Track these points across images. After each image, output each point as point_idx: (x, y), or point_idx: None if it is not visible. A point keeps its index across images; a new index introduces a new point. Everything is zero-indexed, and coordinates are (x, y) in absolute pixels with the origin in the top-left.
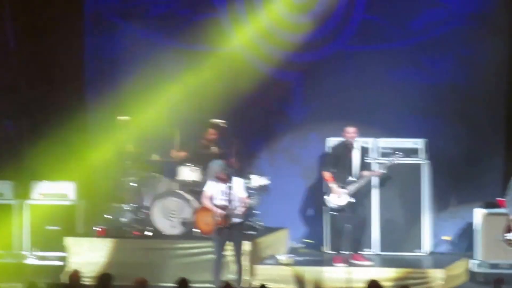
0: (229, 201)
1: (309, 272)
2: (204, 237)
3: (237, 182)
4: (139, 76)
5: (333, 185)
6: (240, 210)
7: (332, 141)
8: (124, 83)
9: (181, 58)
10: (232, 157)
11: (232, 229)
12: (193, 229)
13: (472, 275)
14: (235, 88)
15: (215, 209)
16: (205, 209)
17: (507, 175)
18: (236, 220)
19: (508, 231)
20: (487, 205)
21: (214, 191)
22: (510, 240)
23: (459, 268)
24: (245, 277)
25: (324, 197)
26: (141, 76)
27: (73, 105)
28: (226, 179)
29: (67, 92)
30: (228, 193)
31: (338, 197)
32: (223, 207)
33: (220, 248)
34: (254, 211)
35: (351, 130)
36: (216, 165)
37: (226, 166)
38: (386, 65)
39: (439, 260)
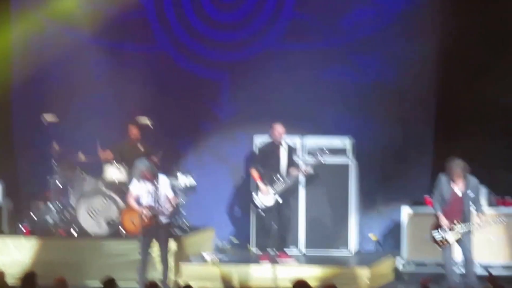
0: (156, 200)
1: (235, 270)
2: (130, 237)
3: (164, 182)
4: (66, 75)
5: (261, 184)
6: (166, 209)
7: (260, 139)
8: (51, 81)
9: (108, 58)
10: (158, 156)
11: (159, 229)
12: (119, 229)
13: (398, 274)
14: (162, 87)
15: (141, 209)
16: (130, 209)
17: (435, 174)
18: (162, 219)
19: (435, 228)
20: (414, 204)
21: (140, 190)
22: (437, 238)
23: (385, 266)
24: (171, 276)
25: (253, 195)
26: (68, 75)
27: None
28: (152, 179)
29: None
30: (154, 192)
31: (265, 196)
32: (149, 207)
33: (146, 248)
34: (180, 210)
35: (278, 128)
36: (142, 164)
37: (152, 165)
38: (315, 64)
39: (365, 258)
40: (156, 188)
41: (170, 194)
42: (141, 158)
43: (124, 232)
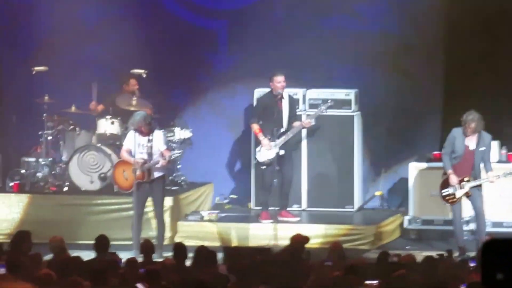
0: (149, 154)
1: (235, 228)
2: (123, 192)
3: (158, 135)
4: (55, 25)
5: (262, 138)
6: (160, 163)
7: (259, 92)
8: (40, 32)
9: (98, 5)
10: (152, 109)
11: (153, 184)
12: (112, 184)
13: (405, 232)
14: (156, 36)
15: (134, 162)
16: (123, 163)
17: (445, 129)
18: (157, 174)
19: (445, 186)
20: (422, 160)
21: (134, 144)
22: (446, 194)
23: (391, 224)
24: (167, 233)
25: (256, 150)
26: (58, 25)
27: None
28: (147, 132)
29: None
30: (148, 146)
31: (267, 150)
32: (143, 161)
33: (139, 204)
34: (177, 165)
35: (279, 79)
36: (138, 117)
37: (148, 117)
38: (316, 12)
39: (370, 216)
40: (150, 141)
41: (163, 148)
42: (137, 111)
43: (116, 186)
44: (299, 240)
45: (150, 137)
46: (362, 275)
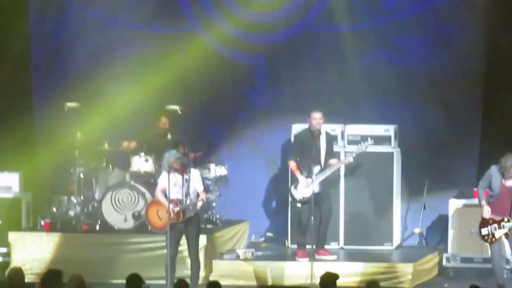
0: (186, 194)
1: (271, 267)
2: (156, 231)
3: (195, 175)
4: (89, 60)
5: (299, 175)
6: (196, 204)
7: (297, 128)
8: (73, 68)
9: (134, 40)
10: (189, 147)
11: (187, 224)
12: (145, 223)
13: (443, 270)
14: (192, 71)
15: (167, 203)
16: (157, 202)
17: (482, 165)
18: (191, 213)
19: (484, 225)
20: (461, 196)
21: (169, 183)
22: (484, 234)
23: (430, 262)
24: (202, 273)
25: (291, 188)
26: (91, 60)
27: (18, 91)
28: (182, 170)
29: (11, 77)
30: (184, 185)
31: (304, 188)
32: (176, 201)
33: (173, 243)
34: (212, 204)
35: (317, 116)
36: (171, 155)
37: (181, 156)
38: (355, 46)
39: (408, 253)
40: (186, 181)
41: (200, 188)
42: (170, 149)
43: (149, 226)
44: (329, 278)
45: (186, 177)
46: None
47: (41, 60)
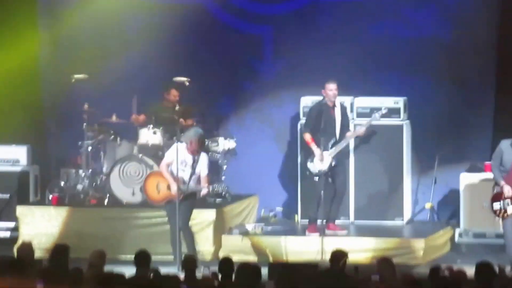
0: (191, 174)
1: (281, 242)
2: (151, 205)
3: (204, 158)
4: (95, 31)
5: (315, 148)
6: (200, 190)
7: (306, 100)
8: (80, 39)
9: (139, 11)
10: (194, 120)
11: (181, 201)
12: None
13: (456, 245)
14: (199, 43)
15: (170, 179)
16: (160, 174)
17: (495, 138)
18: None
19: (497, 199)
20: (473, 170)
21: (177, 158)
22: (496, 208)
23: (442, 237)
24: (211, 248)
25: (307, 161)
26: (97, 31)
27: (25, 63)
28: (195, 151)
29: (21, 50)
30: (192, 166)
31: (320, 161)
32: (182, 181)
33: (173, 219)
34: (221, 177)
35: (332, 86)
36: (194, 132)
37: (203, 137)
38: (364, 18)
39: (420, 229)
40: (195, 161)
41: (204, 173)
42: (177, 121)
43: (145, 196)
44: (338, 256)
45: (196, 158)
46: None
47: (49, 33)
